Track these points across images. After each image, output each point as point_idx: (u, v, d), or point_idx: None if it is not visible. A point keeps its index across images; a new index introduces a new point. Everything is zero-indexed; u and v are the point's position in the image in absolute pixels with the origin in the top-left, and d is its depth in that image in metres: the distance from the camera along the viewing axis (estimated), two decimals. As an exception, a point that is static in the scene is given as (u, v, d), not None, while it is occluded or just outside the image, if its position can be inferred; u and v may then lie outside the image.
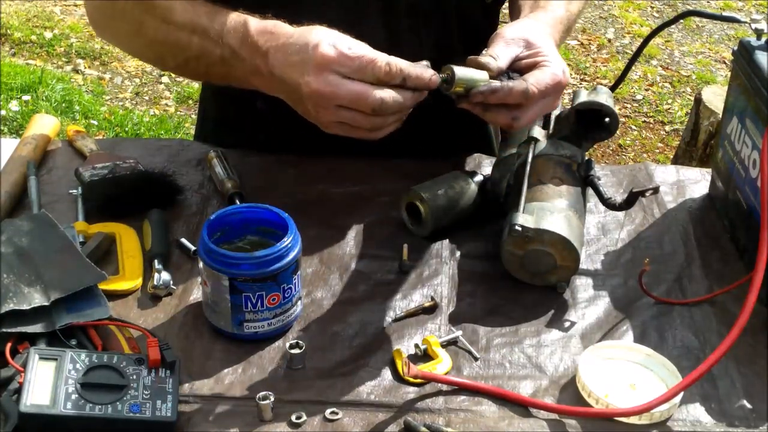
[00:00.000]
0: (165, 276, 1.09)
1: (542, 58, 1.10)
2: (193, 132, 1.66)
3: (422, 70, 1.04)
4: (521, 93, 1.06)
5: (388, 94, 1.02)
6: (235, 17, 1.11)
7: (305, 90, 1.03)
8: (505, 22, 1.26)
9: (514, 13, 1.29)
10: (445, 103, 1.10)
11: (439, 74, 1.05)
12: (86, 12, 1.32)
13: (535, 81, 1.07)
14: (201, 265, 1.01)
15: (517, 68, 1.10)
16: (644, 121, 3.92)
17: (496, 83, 1.06)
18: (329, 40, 1.02)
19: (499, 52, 1.09)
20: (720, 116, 1.42)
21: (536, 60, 1.10)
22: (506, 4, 1.41)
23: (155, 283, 1.08)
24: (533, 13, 1.21)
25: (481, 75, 1.06)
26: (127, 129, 3.47)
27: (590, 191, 1.21)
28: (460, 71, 1.04)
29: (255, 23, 1.09)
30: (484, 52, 1.11)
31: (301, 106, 1.07)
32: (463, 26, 1.35)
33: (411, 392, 0.97)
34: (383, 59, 1.02)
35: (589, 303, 1.12)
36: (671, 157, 3.48)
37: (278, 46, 1.06)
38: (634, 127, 3.87)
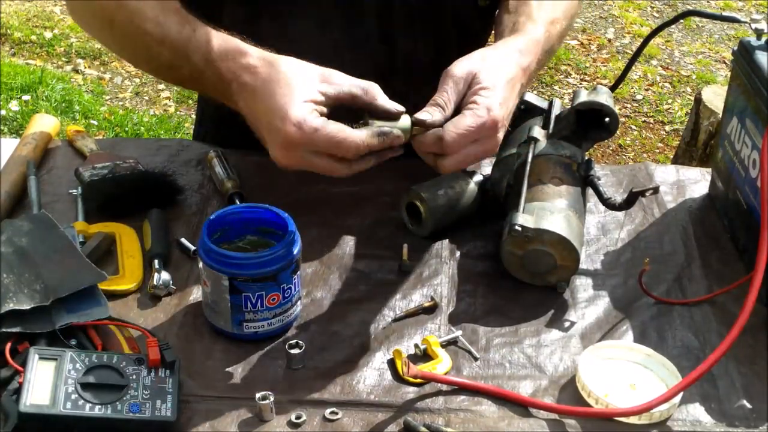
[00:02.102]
0: (165, 276, 1.09)
1: (474, 98, 1.06)
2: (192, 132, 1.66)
3: (387, 136, 1.03)
4: (433, 143, 1.05)
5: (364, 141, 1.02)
6: (201, 33, 1.08)
7: (274, 156, 1.04)
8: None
9: (499, 27, 1.26)
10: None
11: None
12: (66, 5, 1.28)
13: (453, 127, 1.04)
14: (201, 265, 1.01)
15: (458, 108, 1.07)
16: (644, 121, 3.92)
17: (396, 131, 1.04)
18: (296, 117, 0.99)
19: (445, 101, 1.06)
20: (720, 116, 1.42)
21: (469, 102, 1.06)
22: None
23: (155, 283, 1.08)
24: (511, 36, 1.16)
25: (402, 124, 1.04)
26: (127, 129, 3.47)
27: (590, 191, 1.21)
28: (378, 123, 1.04)
29: (216, 45, 1.06)
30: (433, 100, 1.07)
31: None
32: (458, 29, 1.35)
33: (411, 392, 0.97)
34: (344, 142, 1.00)
35: (589, 303, 1.12)
36: (671, 157, 3.48)
37: (242, 86, 1.04)
38: (634, 127, 3.87)
